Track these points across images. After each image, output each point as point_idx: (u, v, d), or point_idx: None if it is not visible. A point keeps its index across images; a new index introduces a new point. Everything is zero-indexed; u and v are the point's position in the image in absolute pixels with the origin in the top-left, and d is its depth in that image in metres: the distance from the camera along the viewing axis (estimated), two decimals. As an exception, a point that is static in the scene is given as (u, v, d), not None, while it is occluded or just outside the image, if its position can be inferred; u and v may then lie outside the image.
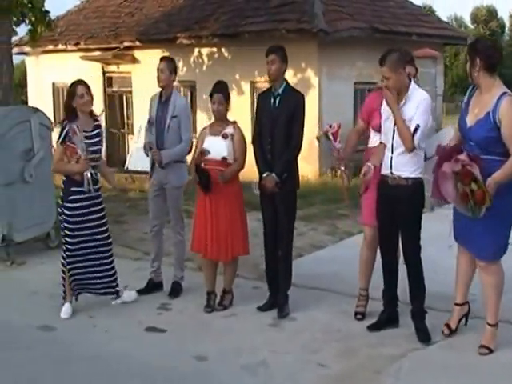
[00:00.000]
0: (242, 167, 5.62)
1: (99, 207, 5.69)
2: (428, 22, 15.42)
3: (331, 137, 5.33)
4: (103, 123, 16.30)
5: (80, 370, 4.63)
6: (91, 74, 16.35)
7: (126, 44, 15.56)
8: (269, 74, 5.60)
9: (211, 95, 5.61)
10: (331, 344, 4.99)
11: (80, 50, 16.36)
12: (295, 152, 5.57)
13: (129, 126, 16.71)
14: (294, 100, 5.55)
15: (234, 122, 5.65)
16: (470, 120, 4.64)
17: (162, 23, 15.40)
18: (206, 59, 14.96)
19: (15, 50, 14.98)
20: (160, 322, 5.53)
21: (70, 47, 16.49)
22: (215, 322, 5.53)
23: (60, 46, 16.52)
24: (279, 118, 5.49)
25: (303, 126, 5.57)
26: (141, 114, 15.78)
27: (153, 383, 4.50)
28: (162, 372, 4.60)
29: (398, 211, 4.89)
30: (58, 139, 5.54)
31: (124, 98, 16.65)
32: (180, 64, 14.56)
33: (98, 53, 16.14)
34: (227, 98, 5.63)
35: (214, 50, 14.66)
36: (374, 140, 5.35)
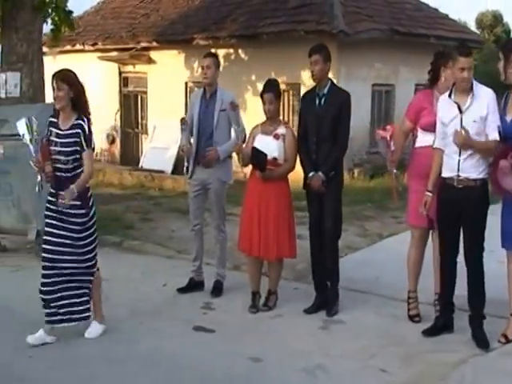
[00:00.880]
0: (293, 168, 5.61)
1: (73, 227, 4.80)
2: (445, 25, 15.41)
3: (388, 139, 5.32)
4: (118, 123, 16.75)
5: (135, 370, 4.58)
6: (108, 74, 16.47)
7: (143, 44, 15.59)
8: (312, 74, 5.58)
9: (261, 95, 5.57)
10: (388, 349, 4.90)
11: (97, 50, 16.41)
12: (342, 151, 5.59)
13: (143, 126, 16.73)
14: (339, 99, 5.54)
15: (286, 123, 5.63)
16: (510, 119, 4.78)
17: (178, 24, 15.43)
18: (222, 60, 14.91)
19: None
20: (206, 321, 5.51)
21: (87, 47, 16.54)
22: (262, 323, 5.51)
23: (78, 46, 16.55)
24: (325, 118, 5.48)
25: (349, 126, 5.57)
26: (155, 114, 15.87)
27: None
28: (219, 372, 4.54)
29: (465, 213, 4.83)
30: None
31: (139, 98, 16.66)
32: (195, 65, 14.61)
33: (115, 53, 16.18)
34: (278, 97, 5.58)
35: (231, 51, 14.64)
36: (423, 140, 5.24)
